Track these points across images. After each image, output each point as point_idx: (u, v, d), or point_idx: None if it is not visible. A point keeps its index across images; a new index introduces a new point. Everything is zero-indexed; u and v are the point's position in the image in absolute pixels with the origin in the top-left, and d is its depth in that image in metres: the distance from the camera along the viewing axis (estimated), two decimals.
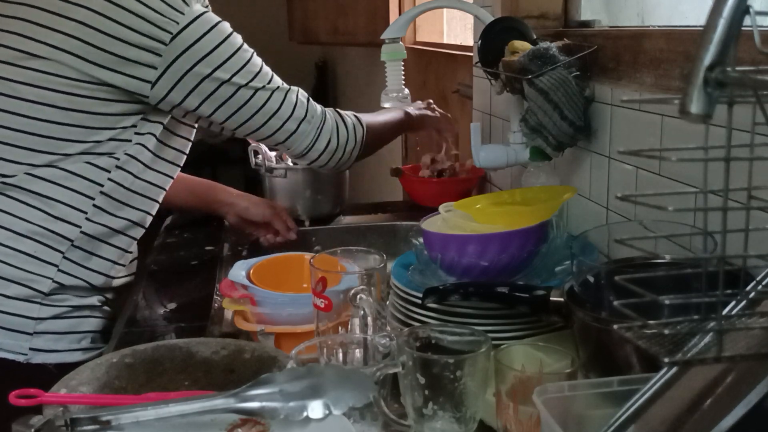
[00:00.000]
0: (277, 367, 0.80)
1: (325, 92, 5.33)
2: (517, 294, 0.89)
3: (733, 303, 0.53)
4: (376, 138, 1.46)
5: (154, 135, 1.23)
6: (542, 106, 1.13)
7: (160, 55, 1.15)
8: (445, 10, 2.63)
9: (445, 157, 1.75)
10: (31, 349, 1.18)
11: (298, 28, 3.75)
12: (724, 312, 0.52)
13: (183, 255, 1.50)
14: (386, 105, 1.48)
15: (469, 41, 2.01)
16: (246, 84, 1.23)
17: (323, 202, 1.67)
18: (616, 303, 0.49)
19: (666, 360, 0.47)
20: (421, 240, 1.04)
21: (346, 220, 1.70)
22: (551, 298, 0.86)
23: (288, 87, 1.30)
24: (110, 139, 1.19)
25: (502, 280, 0.96)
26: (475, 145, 1.28)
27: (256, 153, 1.66)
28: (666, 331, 0.49)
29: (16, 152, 1.15)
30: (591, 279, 0.84)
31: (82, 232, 1.19)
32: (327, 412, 0.69)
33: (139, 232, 1.30)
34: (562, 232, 1.06)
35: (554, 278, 0.99)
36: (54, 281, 1.18)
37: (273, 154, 1.68)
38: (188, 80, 1.18)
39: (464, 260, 0.97)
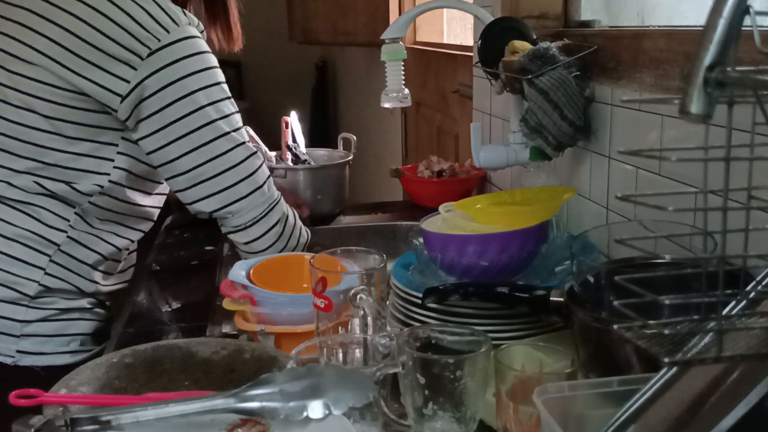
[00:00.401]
0: (277, 367, 0.80)
1: (325, 92, 5.33)
2: (517, 294, 0.89)
3: (733, 303, 0.53)
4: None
5: (136, 158, 1.21)
6: (542, 106, 1.13)
7: (135, 69, 1.11)
8: (445, 10, 2.63)
9: None
10: (18, 351, 1.17)
11: (298, 28, 3.75)
12: (724, 312, 0.52)
13: (183, 255, 1.51)
14: (386, 105, 1.47)
15: (469, 41, 2.01)
16: (215, 120, 1.16)
17: (323, 202, 1.67)
18: (616, 303, 0.49)
19: (666, 360, 0.47)
20: (421, 240, 1.04)
21: (346, 220, 1.70)
22: (551, 298, 0.86)
23: (255, 150, 1.23)
24: (89, 155, 1.17)
25: (502, 280, 0.96)
26: (475, 145, 1.28)
27: None
28: (666, 331, 0.49)
29: None
30: (591, 279, 0.84)
31: (68, 237, 1.19)
32: (327, 412, 0.69)
33: (124, 243, 1.29)
34: (562, 232, 1.06)
35: (554, 278, 0.99)
36: (40, 284, 1.17)
37: (273, 154, 1.68)
38: (155, 100, 1.13)
39: (464, 260, 0.97)
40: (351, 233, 1.63)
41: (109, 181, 1.19)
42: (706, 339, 0.51)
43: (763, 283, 0.56)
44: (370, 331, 0.86)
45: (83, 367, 0.82)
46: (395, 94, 1.46)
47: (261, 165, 1.23)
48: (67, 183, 1.17)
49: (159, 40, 1.12)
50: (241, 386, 0.71)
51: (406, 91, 1.47)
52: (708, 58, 0.43)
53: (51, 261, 1.18)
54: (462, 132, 2.05)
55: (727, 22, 0.43)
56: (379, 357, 0.82)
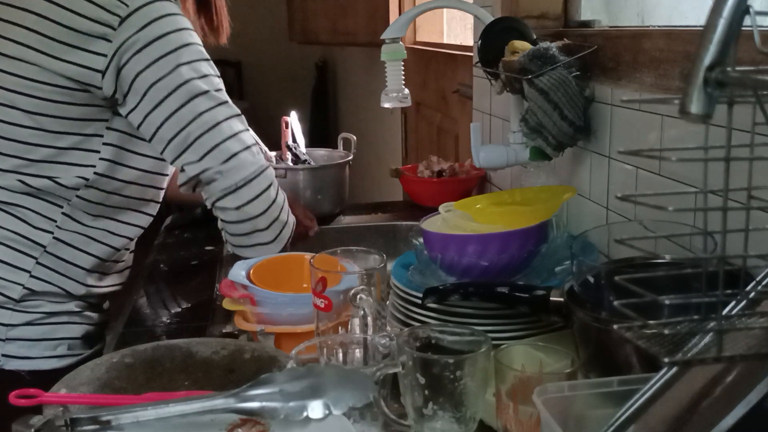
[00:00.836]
0: (277, 367, 0.80)
1: (325, 92, 5.34)
2: (517, 294, 0.89)
3: (733, 303, 0.53)
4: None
5: (123, 147, 1.20)
6: (542, 106, 1.13)
7: (110, 41, 1.11)
8: (445, 10, 2.63)
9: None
10: (3, 355, 1.16)
11: (298, 28, 3.76)
12: (724, 312, 0.52)
13: (183, 255, 1.51)
14: (386, 105, 1.47)
15: (469, 41, 2.01)
16: (191, 80, 1.14)
17: (323, 202, 1.67)
18: (616, 303, 0.49)
19: (666, 360, 0.47)
20: (421, 240, 1.04)
21: (346, 220, 1.70)
22: (551, 298, 0.86)
23: (238, 111, 1.20)
24: (74, 148, 1.16)
25: (502, 280, 0.96)
26: (475, 145, 1.28)
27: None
28: (666, 331, 0.49)
29: None
30: (591, 279, 0.84)
31: (54, 238, 1.18)
32: (327, 412, 0.69)
33: (120, 242, 1.27)
34: (562, 232, 1.06)
35: (554, 278, 0.99)
36: (25, 287, 1.17)
37: (273, 154, 1.68)
38: (132, 66, 1.11)
39: (464, 260, 0.97)
40: (351, 233, 1.63)
41: (95, 173, 1.18)
42: (706, 339, 0.51)
43: (763, 283, 0.56)
44: (370, 331, 0.86)
45: (83, 367, 0.82)
46: (395, 94, 1.46)
47: (247, 128, 1.20)
48: (50, 178, 1.15)
49: (127, 6, 1.11)
50: (241, 386, 0.71)
51: (406, 91, 1.47)
52: (708, 58, 0.43)
53: (37, 263, 1.17)
54: (462, 132, 2.05)
55: (727, 22, 0.43)
56: (379, 357, 0.82)
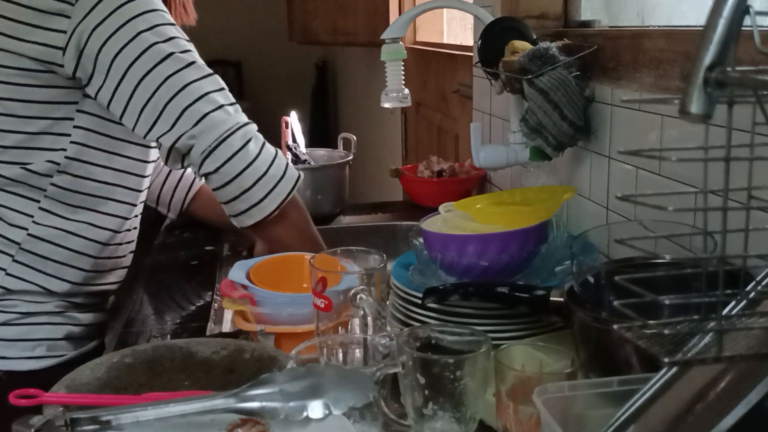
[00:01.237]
0: (277, 367, 0.80)
1: (325, 92, 5.34)
2: (517, 294, 0.89)
3: (733, 303, 0.53)
4: (303, 215, 1.24)
5: (94, 130, 1.17)
6: (542, 106, 1.13)
7: (68, 17, 1.09)
8: (445, 10, 2.63)
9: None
10: None
11: (298, 28, 3.76)
12: (724, 312, 0.52)
13: (183, 255, 1.50)
14: (386, 105, 1.47)
15: (469, 41, 2.01)
16: (155, 44, 1.10)
17: (323, 202, 1.67)
18: (616, 303, 0.49)
19: (666, 360, 0.47)
20: (421, 240, 1.04)
21: (346, 220, 1.70)
22: (551, 298, 0.86)
23: (212, 72, 1.15)
24: (45, 133, 1.14)
25: (502, 280, 0.96)
26: (475, 145, 1.28)
27: None
28: (666, 331, 0.49)
29: None
30: (591, 279, 0.84)
31: (29, 234, 1.16)
32: (327, 412, 0.69)
33: (103, 235, 1.24)
34: (562, 232, 1.06)
35: (554, 278, 0.99)
36: (0, 286, 1.15)
37: None
38: (94, 40, 1.09)
39: (464, 260, 0.97)
40: (351, 233, 1.63)
41: (66, 157, 1.16)
42: (706, 339, 0.51)
43: (763, 283, 0.56)
44: (370, 331, 0.86)
45: (83, 367, 0.82)
46: (395, 94, 1.46)
47: (222, 87, 1.15)
48: (22, 165, 1.14)
49: None
50: (241, 386, 0.71)
51: (406, 91, 1.47)
52: (708, 58, 0.43)
53: (14, 261, 1.16)
54: (462, 132, 2.05)
55: (727, 22, 0.43)
56: (379, 357, 0.82)
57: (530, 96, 1.15)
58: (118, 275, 1.32)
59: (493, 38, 1.27)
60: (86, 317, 1.26)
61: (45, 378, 0.79)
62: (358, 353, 0.84)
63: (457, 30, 2.62)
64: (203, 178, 1.17)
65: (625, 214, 1.08)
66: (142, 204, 1.33)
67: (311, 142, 1.87)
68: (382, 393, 0.77)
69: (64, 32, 1.09)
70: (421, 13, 1.48)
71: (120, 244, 1.29)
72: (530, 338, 0.89)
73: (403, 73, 1.46)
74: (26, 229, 1.16)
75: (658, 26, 1.18)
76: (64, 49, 1.10)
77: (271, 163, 1.15)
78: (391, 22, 1.77)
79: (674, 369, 0.55)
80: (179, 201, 1.56)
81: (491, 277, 0.97)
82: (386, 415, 0.77)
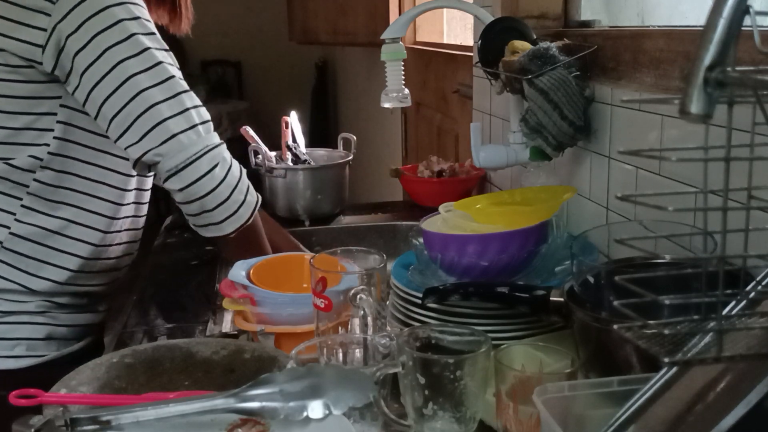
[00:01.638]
0: (277, 367, 0.80)
1: (325, 92, 5.34)
2: (517, 294, 0.89)
3: (733, 303, 0.53)
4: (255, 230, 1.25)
5: (78, 126, 1.17)
6: (542, 106, 1.13)
7: (48, 15, 1.09)
8: (445, 10, 2.63)
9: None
10: None
11: (298, 28, 3.76)
12: (724, 312, 0.52)
13: (183, 255, 1.50)
14: (386, 105, 1.47)
15: (469, 41, 2.01)
16: (138, 53, 1.10)
17: (323, 202, 1.67)
18: (616, 303, 0.49)
19: (666, 360, 0.47)
20: (421, 240, 1.04)
21: (346, 220, 1.70)
22: (551, 298, 0.86)
23: (187, 89, 1.15)
24: (28, 128, 1.14)
25: (502, 280, 0.96)
26: (475, 145, 1.28)
27: (256, 153, 1.66)
28: (666, 331, 0.49)
29: None
30: (591, 279, 0.84)
31: (11, 233, 1.16)
32: (327, 412, 0.69)
33: (90, 235, 1.23)
34: (562, 232, 1.06)
35: (554, 278, 0.99)
36: None
37: (273, 154, 1.68)
38: (73, 42, 1.09)
39: (464, 260, 0.97)
40: (351, 233, 1.63)
41: (49, 152, 1.15)
42: (706, 339, 0.51)
43: (763, 283, 0.56)
44: (370, 331, 0.87)
45: (83, 367, 0.82)
46: (395, 94, 1.46)
47: (197, 105, 1.16)
48: (4, 160, 1.14)
49: None
50: (241, 386, 0.71)
51: (406, 91, 1.47)
52: (708, 58, 0.43)
53: None
54: (462, 132, 2.05)
55: (727, 22, 0.43)
56: (379, 357, 0.82)
57: (530, 96, 1.15)
58: (107, 277, 1.30)
59: (493, 38, 1.27)
60: (70, 318, 1.25)
61: (25, 377, 0.78)
62: (358, 353, 0.84)
63: (457, 30, 2.62)
64: (168, 189, 1.18)
65: (625, 214, 1.08)
66: (135, 206, 1.32)
67: (311, 142, 1.87)
68: (382, 393, 0.77)
69: (44, 30, 1.09)
70: (421, 13, 1.48)
71: (109, 245, 1.28)
72: (530, 338, 0.89)
73: (403, 73, 1.46)
74: (8, 228, 1.16)
75: (658, 26, 1.18)
76: (43, 47, 1.10)
77: (234, 187, 1.17)
78: (391, 22, 1.77)
79: (674, 369, 0.55)
80: None
81: (491, 277, 0.97)
82: (386, 415, 0.77)
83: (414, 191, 1.78)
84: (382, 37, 1.43)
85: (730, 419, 0.51)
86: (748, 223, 0.48)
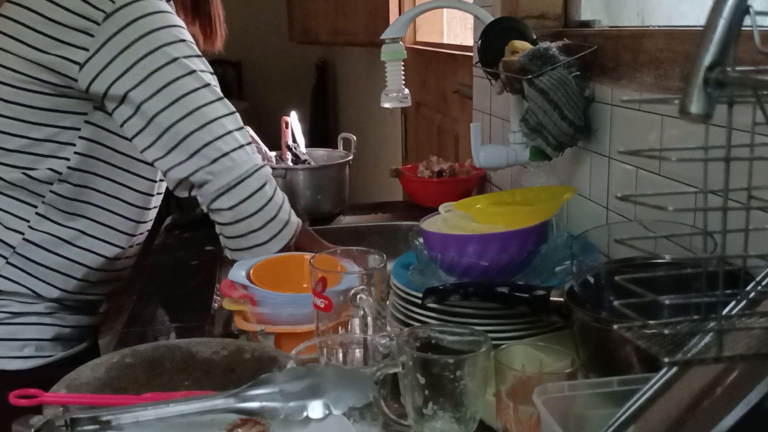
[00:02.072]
0: (277, 367, 0.80)
1: (325, 92, 5.34)
2: (517, 294, 0.89)
3: (733, 303, 0.53)
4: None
5: (101, 143, 1.18)
6: (542, 106, 1.13)
7: (92, 35, 1.10)
8: (445, 10, 2.63)
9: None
10: None
11: (298, 28, 3.76)
12: (724, 312, 0.52)
13: (183, 255, 1.50)
14: (386, 105, 1.47)
15: (469, 41, 2.01)
16: (185, 75, 1.12)
17: (323, 202, 1.67)
18: (616, 303, 0.49)
19: (666, 360, 0.47)
20: (421, 240, 1.04)
21: (346, 220, 1.70)
22: (551, 298, 0.86)
23: (233, 109, 1.17)
24: (49, 140, 1.15)
25: (502, 280, 0.96)
26: (475, 145, 1.28)
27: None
28: (666, 331, 0.49)
29: None
30: (591, 279, 0.84)
31: (24, 239, 1.17)
32: (327, 412, 0.69)
33: (103, 247, 1.24)
34: (562, 232, 1.06)
35: (554, 278, 0.99)
36: None
37: (273, 154, 1.68)
38: (118, 64, 1.10)
39: (464, 260, 0.97)
40: (351, 233, 1.63)
41: (69, 167, 1.16)
42: (706, 339, 0.51)
43: (763, 283, 0.56)
44: (370, 331, 0.87)
45: (83, 367, 0.82)
46: (395, 94, 1.46)
47: (241, 127, 1.17)
48: (23, 170, 1.15)
49: (113, 2, 1.10)
50: (241, 386, 0.71)
51: (406, 91, 1.47)
52: (708, 58, 0.43)
53: (7, 263, 1.17)
54: (462, 132, 2.05)
55: (727, 22, 0.43)
56: (379, 357, 0.82)
57: (530, 96, 1.15)
58: (112, 286, 1.32)
59: (493, 38, 1.27)
60: (76, 319, 1.26)
61: (32, 378, 0.78)
62: (358, 353, 0.84)
63: (457, 30, 2.62)
64: (211, 212, 1.18)
65: (625, 214, 1.08)
66: (151, 223, 1.34)
67: (311, 142, 1.87)
68: (382, 393, 0.77)
69: (86, 50, 1.10)
70: (421, 13, 1.48)
71: (119, 258, 1.29)
72: (530, 338, 0.89)
73: (403, 73, 1.46)
74: (22, 233, 1.17)
75: (658, 26, 1.18)
76: (81, 65, 1.11)
77: (280, 206, 1.19)
78: (391, 22, 1.77)
79: (674, 369, 0.55)
80: None
81: (491, 277, 0.97)
82: (386, 415, 0.77)
83: (414, 191, 1.78)
84: (382, 37, 1.43)
85: (730, 419, 0.51)
86: (748, 223, 0.48)
